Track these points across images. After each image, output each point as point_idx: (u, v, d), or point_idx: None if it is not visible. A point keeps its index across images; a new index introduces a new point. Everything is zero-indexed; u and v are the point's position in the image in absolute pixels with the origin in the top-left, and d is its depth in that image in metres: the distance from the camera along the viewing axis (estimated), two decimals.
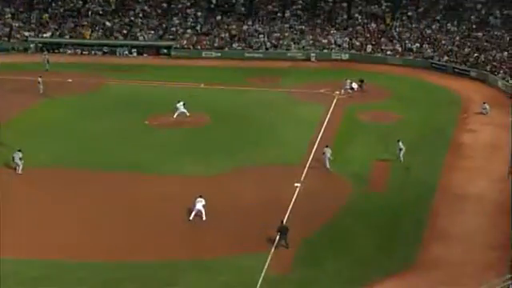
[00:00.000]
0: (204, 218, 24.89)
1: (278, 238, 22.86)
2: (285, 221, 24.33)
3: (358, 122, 37.93)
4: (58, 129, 35.71)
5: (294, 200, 26.51)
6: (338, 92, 43.68)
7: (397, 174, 29.71)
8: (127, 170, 29.74)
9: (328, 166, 29.81)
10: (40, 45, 57.48)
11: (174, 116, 37.68)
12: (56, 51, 57.28)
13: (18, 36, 58.40)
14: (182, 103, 37.99)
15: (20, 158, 28.39)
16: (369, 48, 55.24)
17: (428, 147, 33.11)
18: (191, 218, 24.90)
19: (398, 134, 33.60)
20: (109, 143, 33.78)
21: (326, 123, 36.86)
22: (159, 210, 25.84)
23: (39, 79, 43.14)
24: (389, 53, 54.52)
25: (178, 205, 26.02)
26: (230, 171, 29.81)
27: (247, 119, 38.05)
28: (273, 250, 22.67)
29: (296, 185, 28.07)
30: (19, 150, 28.61)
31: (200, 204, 24.96)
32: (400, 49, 54.68)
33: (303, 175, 29.18)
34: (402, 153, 30.49)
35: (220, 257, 22.49)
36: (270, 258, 22.25)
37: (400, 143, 30.47)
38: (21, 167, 28.41)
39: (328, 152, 30.05)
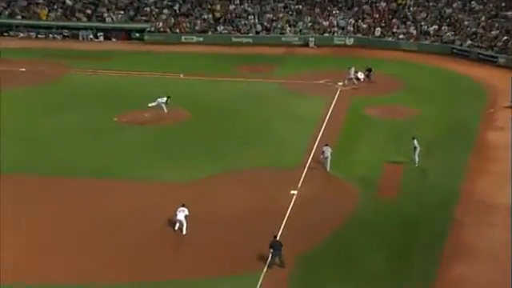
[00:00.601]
0: (184, 232, 24.87)
1: (270, 255, 22.79)
2: (279, 235, 24.23)
3: (366, 117, 38.03)
4: (8, 128, 35.29)
5: (289, 210, 26.46)
6: (341, 83, 43.81)
7: (411, 178, 29.78)
8: (93, 176, 29.52)
9: (328, 168, 30.08)
10: None
11: (149, 104, 37.35)
12: (5, 34, 57.03)
13: None
14: (164, 99, 37.79)
15: None
16: (378, 31, 55.52)
17: (448, 147, 33.26)
18: (176, 228, 24.91)
19: (412, 132, 33.63)
20: (71, 144, 33.54)
21: (327, 120, 36.95)
22: (132, 222, 25.64)
23: None
24: (401, 37, 54.84)
25: (154, 217, 25.86)
26: (215, 176, 29.70)
27: (235, 115, 38.00)
28: (265, 269, 22.56)
29: (292, 192, 28.04)
30: None
31: (182, 214, 24.85)
32: (415, 32, 55.01)
33: (301, 181, 29.16)
34: (417, 152, 30.58)
35: (203, 279, 22.32)
36: (261, 279, 22.11)
37: (415, 141, 30.57)
38: None
39: (328, 151, 30.26)
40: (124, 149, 32.95)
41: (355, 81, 43.31)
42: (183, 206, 25.11)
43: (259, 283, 21.88)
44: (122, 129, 36.07)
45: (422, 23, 55.27)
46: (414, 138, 30.71)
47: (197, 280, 22.22)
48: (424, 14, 56.06)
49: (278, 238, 23.50)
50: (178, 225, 24.94)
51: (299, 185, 28.77)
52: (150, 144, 33.72)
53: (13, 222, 25.33)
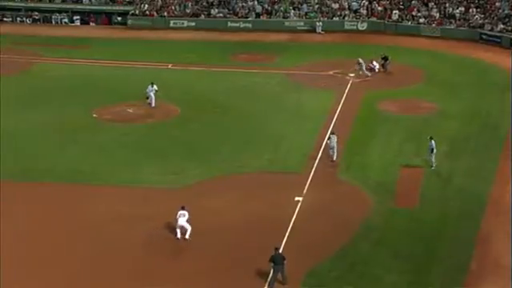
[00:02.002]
0: (187, 237, 25.14)
1: (272, 271, 23.04)
2: (281, 248, 24.48)
3: (380, 114, 38.31)
4: None
5: (294, 219, 26.70)
6: (353, 74, 44.10)
7: (432, 183, 30.02)
8: (69, 180, 29.77)
9: (335, 157, 31.09)
10: None
11: (152, 104, 37.91)
12: None
13: None
14: (154, 87, 38.19)
15: None
16: (395, 14, 55.76)
17: (475, 148, 33.50)
18: (178, 236, 25.26)
19: (433, 131, 33.95)
20: (43, 145, 33.81)
21: (336, 116, 37.23)
22: (114, 233, 25.87)
23: None
24: (422, 21, 55.10)
25: (140, 227, 26.11)
26: (208, 181, 29.97)
27: (230, 111, 38.30)
28: (266, 287, 22.85)
29: (297, 199, 28.29)
30: None
31: (183, 219, 25.24)
32: (437, 15, 55.25)
33: (306, 186, 29.42)
34: (434, 155, 30.81)
35: None
36: None
37: (432, 142, 30.86)
38: None
39: (334, 140, 31.42)
40: (105, 149, 33.22)
41: (366, 72, 43.45)
42: (183, 208, 25.44)
43: None
44: (103, 126, 36.37)
45: (447, 5, 55.55)
46: (431, 139, 30.99)
47: None
48: None
49: (280, 250, 23.71)
50: (179, 231, 25.24)
51: (304, 191, 29.04)
52: (135, 144, 34.00)
53: None
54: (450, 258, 24.76)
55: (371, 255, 24.82)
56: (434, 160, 30.90)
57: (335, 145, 31.58)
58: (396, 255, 24.76)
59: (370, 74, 43.62)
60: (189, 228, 25.29)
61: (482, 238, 25.78)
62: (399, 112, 38.45)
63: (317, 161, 31.79)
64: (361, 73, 43.59)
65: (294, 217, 26.88)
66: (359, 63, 43.58)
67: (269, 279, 22.96)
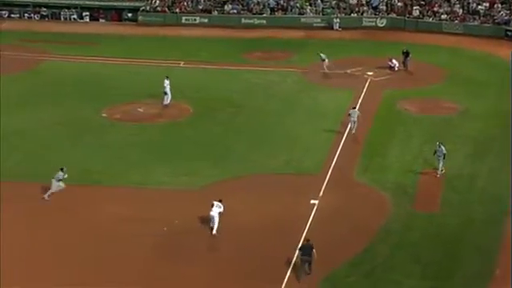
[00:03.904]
0: (214, 232, 25.82)
1: (300, 260, 23.39)
2: (296, 253, 24.56)
3: (400, 114, 38.26)
4: None
5: (309, 223, 26.75)
6: (371, 72, 44.05)
7: (454, 187, 29.94)
8: (78, 181, 29.90)
9: (354, 130, 33.97)
10: None
11: (165, 102, 38.34)
12: None
13: None
14: (168, 82, 38.44)
15: (59, 179, 28.36)
16: (416, 11, 55.58)
17: (499, 150, 33.35)
18: (214, 232, 25.90)
19: (455, 132, 33.89)
20: (51, 144, 34.06)
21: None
22: (122, 237, 26.04)
23: None
24: (444, 17, 54.85)
25: (148, 230, 26.26)
26: (221, 183, 30.06)
27: (244, 110, 38.40)
28: None
29: (313, 202, 28.35)
30: (62, 169, 28.49)
31: (216, 210, 25.98)
32: (461, 11, 55.00)
33: (322, 189, 29.46)
34: (443, 160, 30.42)
35: None
36: None
37: (442, 147, 30.59)
38: (51, 191, 28.35)
39: (355, 114, 34.44)
40: (114, 150, 33.39)
41: (326, 68, 43.84)
42: (220, 201, 26.10)
43: None
44: (113, 126, 36.57)
45: (470, 0, 55.27)
46: (440, 144, 30.74)
47: None
48: None
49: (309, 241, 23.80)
50: (214, 229, 25.98)
51: (321, 193, 29.07)
52: (146, 144, 34.15)
53: None
54: (473, 263, 24.71)
55: (390, 260, 24.82)
56: (441, 166, 30.55)
57: (356, 119, 34.13)
58: (416, 260, 24.75)
59: (327, 71, 43.89)
60: (217, 222, 25.93)
61: (507, 244, 25.58)
62: (419, 112, 38.37)
63: (333, 162, 31.79)
64: (325, 66, 43.99)
65: (310, 220, 26.92)
66: (322, 59, 44.02)
67: (285, 279, 23.12)
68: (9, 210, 27.56)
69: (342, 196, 29.06)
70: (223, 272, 24.09)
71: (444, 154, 30.53)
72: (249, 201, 28.36)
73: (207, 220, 26.71)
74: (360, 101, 39.19)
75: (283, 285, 23.19)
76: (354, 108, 35.69)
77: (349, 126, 34.71)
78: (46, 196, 28.42)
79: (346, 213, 27.79)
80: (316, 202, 28.34)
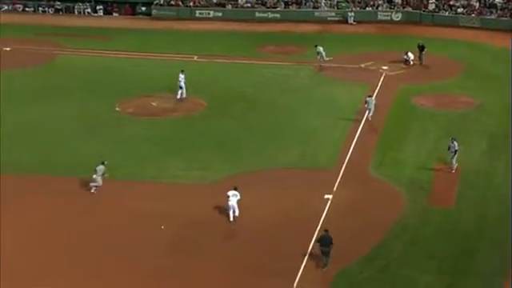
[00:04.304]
0: (236, 214, 26.41)
1: (320, 253, 23.67)
2: (310, 247, 24.64)
3: (415, 108, 38.11)
4: None
5: (323, 218, 26.73)
6: (386, 67, 43.88)
7: (470, 182, 29.81)
8: (89, 174, 30.06)
9: (369, 117, 35.19)
10: None
11: (181, 96, 38.52)
12: None
13: None
14: (183, 76, 38.50)
15: (101, 173, 28.52)
16: (431, 4, 55.27)
17: None
18: (231, 217, 26.38)
19: (472, 127, 33.69)
20: (64, 138, 34.23)
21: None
22: (136, 230, 26.18)
23: None
24: (460, 10, 54.50)
25: (163, 223, 26.34)
26: (236, 177, 30.01)
27: (258, 105, 38.40)
28: (295, 286, 22.93)
29: (327, 197, 28.32)
30: (103, 163, 28.70)
31: (235, 199, 26.32)
32: (477, 4, 54.61)
33: (336, 183, 29.43)
34: (455, 157, 30.27)
35: None
36: None
37: (455, 143, 30.42)
38: (96, 184, 28.52)
39: (371, 102, 35.53)
40: (127, 144, 33.51)
41: (325, 59, 43.95)
42: (235, 189, 26.41)
43: None
44: (126, 120, 36.69)
45: None
46: (453, 140, 30.57)
47: None
48: None
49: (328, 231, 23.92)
50: (231, 214, 26.38)
51: (334, 188, 29.04)
52: (160, 138, 34.23)
53: None
54: (489, 260, 24.57)
55: (405, 255, 24.77)
56: (454, 162, 30.41)
57: (372, 107, 35.40)
58: (431, 256, 24.69)
59: (326, 59, 44.12)
60: (237, 210, 26.37)
61: None
62: (435, 107, 38.21)
63: (348, 157, 31.74)
64: (321, 60, 44.11)
65: (324, 215, 26.90)
66: (318, 52, 44.10)
67: (298, 275, 23.19)
68: (21, 203, 27.75)
69: (357, 191, 29.00)
70: (237, 265, 24.15)
71: (455, 151, 30.35)
72: (262, 195, 28.37)
73: (221, 213, 26.83)
74: (375, 95, 38.94)
75: (297, 277, 23.18)
76: (371, 96, 36.47)
77: (366, 114, 35.46)
78: (93, 190, 28.51)
79: (361, 207, 27.74)
80: (330, 196, 28.31)
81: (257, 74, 43.50)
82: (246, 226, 26.46)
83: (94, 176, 28.57)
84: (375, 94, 38.85)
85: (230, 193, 26.51)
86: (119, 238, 25.72)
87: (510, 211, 26.88)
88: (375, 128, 34.96)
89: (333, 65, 44.64)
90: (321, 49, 44.28)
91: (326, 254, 23.68)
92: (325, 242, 23.68)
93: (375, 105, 35.78)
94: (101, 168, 28.57)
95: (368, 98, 36.12)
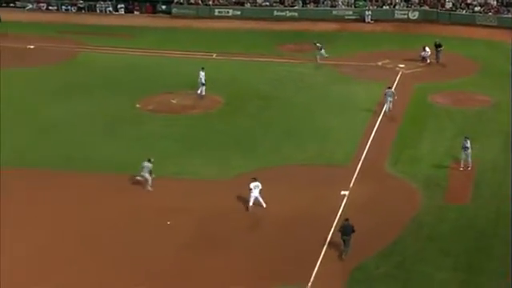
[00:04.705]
0: (264, 206, 26.79)
1: (342, 242, 23.92)
2: (327, 242, 24.63)
3: (432, 106, 37.90)
4: (14, 114, 36.44)
5: (339, 214, 26.63)
6: (403, 65, 43.66)
7: (486, 179, 29.58)
8: (112, 171, 30.27)
9: (388, 110, 35.73)
10: None
11: (202, 93, 38.61)
12: (11, 5, 58.60)
13: None
14: (203, 73, 38.64)
15: (148, 171, 28.54)
16: (449, 3, 54.90)
17: None
18: (250, 205, 26.83)
19: (488, 125, 33.36)
20: (85, 134, 34.43)
21: (382, 115, 36.79)
22: (156, 226, 26.26)
23: None
24: (478, 9, 54.07)
25: (182, 219, 26.47)
26: (252, 174, 29.93)
27: (276, 102, 38.38)
28: (311, 281, 22.92)
29: (343, 193, 28.25)
30: (149, 160, 28.72)
31: (257, 190, 26.71)
32: (495, 3, 54.15)
33: (353, 180, 29.34)
34: (469, 154, 29.96)
35: None
36: None
37: (468, 142, 30.13)
38: (150, 182, 28.56)
39: (391, 95, 35.73)
40: (147, 141, 33.60)
41: (324, 55, 44.21)
42: (255, 180, 26.72)
43: None
44: (146, 117, 36.82)
45: None
46: (466, 139, 30.27)
47: None
48: None
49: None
50: (251, 202, 26.79)
51: (351, 184, 28.96)
52: (179, 135, 34.33)
53: (15, 222, 26.04)
54: (505, 258, 24.33)
55: (421, 252, 24.62)
56: (470, 160, 30.12)
57: (391, 99, 35.85)
58: (447, 253, 24.52)
59: (326, 56, 44.32)
60: (261, 198, 26.82)
61: None
62: (451, 104, 37.96)
63: (364, 154, 31.64)
64: (318, 57, 44.23)
65: (340, 211, 26.80)
66: (318, 48, 44.36)
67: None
68: (42, 197, 27.96)
69: (373, 187, 28.89)
70: (256, 257, 24.17)
71: (466, 148, 30.01)
72: (280, 191, 28.29)
73: (240, 208, 26.93)
74: (383, 111, 38.77)
75: (314, 271, 23.17)
76: (390, 88, 36.85)
77: (385, 106, 35.75)
78: (149, 187, 28.49)
79: (377, 204, 27.63)
80: (346, 192, 28.22)
81: (274, 72, 43.48)
82: (264, 221, 26.52)
83: (142, 173, 28.48)
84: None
85: (252, 185, 26.77)
86: (140, 232, 25.79)
87: (510, 211, 26.59)
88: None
89: (349, 63, 44.49)
90: (320, 46, 44.27)
91: (346, 242, 23.90)
92: (346, 230, 23.92)
93: (394, 96, 36.06)
94: (147, 165, 28.52)
95: (387, 90, 36.43)
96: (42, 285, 22.78)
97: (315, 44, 44.79)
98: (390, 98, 36.00)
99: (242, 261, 24.14)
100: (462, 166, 30.24)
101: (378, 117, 35.70)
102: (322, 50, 44.36)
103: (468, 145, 30.07)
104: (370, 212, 26.97)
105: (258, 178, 27.07)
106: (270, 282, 23.08)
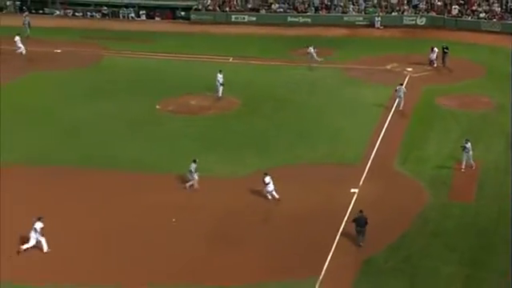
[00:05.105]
0: (277, 196, 27.13)
1: (356, 232, 24.23)
2: (338, 237, 24.62)
3: (438, 108, 37.69)
4: (42, 114, 36.77)
5: (349, 210, 26.62)
6: (410, 68, 43.49)
7: (490, 178, 29.43)
8: (132, 168, 30.45)
9: (400, 107, 36.10)
10: (19, 3, 59.27)
11: (219, 94, 38.66)
12: (40, 12, 59.00)
13: None
14: (221, 75, 38.74)
15: (194, 171, 28.52)
16: (455, 9, 54.54)
17: None
18: (270, 197, 27.29)
19: (492, 126, 33.13)
20: (109, 134, 34.62)
21: (393, 110, 36.80)
22: (174, 221, 26.43)
23: (16, 38, 45.04)
24: (483, 15, 53.69)
25: (199, 215, 26.55)
26: (266, 171, 30.10)
27: (289, 104, 38.35)
28: (322, 274, 22.89)
29: (353, 190, 28.22)
30: (194, 161, 28.74)
31: (272, 185, 27.08)
32: (499, 9, 53.73)
33: (362, 178, 29.29)
34: (470, 156, 29.67)
35: (254, 283, 22.81)
36: (317, 285, 22.45)
37: (469, 144, 29.86)
38: (196, 180, 28.60)
39: (401, 91, 36.44)
40: (167, 140, 33.76)
41: (316, 58, 43.92)
42: (267, 174, 27.16)
43: None
44: (166, 118, 36.95)
45: None
46: (467, 141, 30.02)
47: (247, 285, 22.72)
48: None
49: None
50: (270, 196, 27.17)
51: (360, 183, 28.91)
52: (196, 135, 34.40)
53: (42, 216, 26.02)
54: (506, 254, 24.16)
55: (427, 247, 24.59)
56: (471, 161, 29.87)
57: (402, 95, 36.22)
58: (452, 248, 24.46)
59: (318, 59, 43.92)
60: (276, 193, 27.15)
61: None
62: (457, 107, 37.72)
63: (373, 154, 31.56)
64: (311, 60, 44.05)
65: (350, 208, 26.77)
66: (309, 52, 44.11)
67: (328, 260, 23.67)
68: (66, 193, 28.09)
69: (382, 185, 28.84)
70: (270, 253, 24.20)
71: (466, 149, 29.74)
72: (292, 189, 28.27)
73: (253, 205, 27.00)
74: (394, 107, 38.64)
75: (325, 265, 23.19)
76: (401, 84, 37.42)
77: (396, 101, 36.20)
78: (195, 186, 28.52)
79: (385, 201, 27.58)
80: (356, 190, 28.19)
81: (288, 75, 43.43)
82: (277, 217, 26.54)
83: (191, 174, 28.51)
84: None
85: (267, 179, 27.11)
86: (158, 227, 25.87)
87: (510, 210, 26.40)
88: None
89: (359, 67, 44.37)
90: (311, 49, 44.27)
91: (360, 233, 24.14)
92: (360, 222, 24.19)
93: (405, 93, 36.54)
94: (194, 166, 28.56)
95: (398, 87, 36.83)
96: (64, 279, 22.92)
97: (307, 47, 44.59)
98: (400, 94, 36.43)
99: (256, 255, 24.18)
100: (462, 166, 30.02)
101: (387, 117, 35.48)
102: (314, 54, 44.13)
103: (468, 146, 29.87)
104: (379, 208, 26.87)
105: (268, 173, 27.27)
106: (283, 275, 23.12)
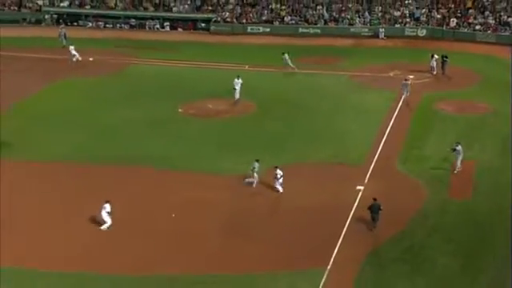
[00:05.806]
0: (281, 191, 27.43)
1: (371, 218, 24.76)
2: (344, 230, 24.51)
3: (437, 113, 37.46)
4: (75, 116, 36.93)
5: (355, 206, 26.54)
6: (412, 76, 43.23)
7: (485, 177, 29.23)
8: (155, 166, 30.48)
9: (406, 96, 37.54)
10: (56, 16, 59.70)
11: (237, 96, 38.79)
12: (75, 24, 59.37)
13: (30, 5, 60.57)
14: (240, 80, 38.71)
15: (257, 169, 28.38)
16: (453, 22, 54.20)
17: None
18: (281, 190, 27.55)
19: (487, 129, 32.83)
20: (135, 134, 34.73)
21: (396, 114, 36.60)
22: (192, 214, 26.42)
23: (71, 47, 46.17)
24: (478, 27, 53.31)
25: (215, 209, 26.56)
26: (277, 166, 29.99)
27: (300, 108, 38.27)
28: (330, 265, 22.80)
29: (358, 188, 28.11)
30: (257, 161, 28.58)
31: (280, 179, 27.32)
32: (493, 22, 53.33)
33: (367, 177, 29.17)
34: (460, 158, 29.33)
35: (263, 272, 22.78)
36: (325, 276, 22.37)
37: (459, 147, 29.53)
38: (255, 181, 28.43)
39: (407, 86, 37.56)
40: (187, 140, 33.75)
41: (291, 65, 43.95)
42: (276, 167, 27.45)
43: (323, 280, 22.09)
44: (187, 120, 36.99)
45: (502, 13, 53.57)
46: (458, 144, 29.66)
47: (257, 274, 22.70)
48: (504, 3, 54.31)
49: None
50: (280, 187, 27.47)
51: (365, 181, 28.78)
52: (214, 136, 34.41)
53: (75, 210, 26.43)
54: (503, 246, 24.05)
55: (426, 240, 24.51)
56: (459, 164, 29.50)
57: (408, 89, 37.73)
58: (450, 241, 24.39)
59: (294, 66, 44.11)
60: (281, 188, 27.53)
61: None
62: (455, 111, 37.49)
63: (377, 154, 31.40)
64: (286, 67, 44.22)
65: (356, 204, 26.67)
66: (283, 59, 44.18)
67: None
68: (96, 188, 28.21)
69: (385, 183, 28.69)
70: (280, 246, 24.14)
71: (455, 150, 29.40)
72: (300, 186, 28.25)
73: (264, 201, 26.99)
74: (401, 101, 38.46)
75: (333, 256, 23.11)
76: (407, 80, 38.56)
77: (403, 95, 37.86)
78: (246, 182, 28.49)
79: (388, 198, 27.27)
80: (361, 187, 28.11)
81: (299, 82, 43.35)
82: (286, 212, 26.48)
83: (254, 173, 28.39)
84: (402, 100, 38.47)
85: (278, 174, 27.29)
86: (176, 222, 25.85)
87: (510, 210, 26.14)
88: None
89: (365, 74, 44.19)
90: (286, 56, 44.28)
91: (374, 219, 24.43)
92: (374, 209, 24.53)
93: (410, 87, 37.99)
94: (256, 165, 28.56)
95: (404, 82, 37.99)
96: (99, 267, 23.08)
97: (283, 54, 44.39)
98: (406, 88, 37.54)
99: (268, 247, 24.15)
100: (456, 168, 29.58)
101: (390, 120, 35.28)
102: (289, 60, 43.95)
103: (459, 149, 29.50)
104: (382, 204, 26.67)
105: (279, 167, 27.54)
106: (292, 266, 23.07)
